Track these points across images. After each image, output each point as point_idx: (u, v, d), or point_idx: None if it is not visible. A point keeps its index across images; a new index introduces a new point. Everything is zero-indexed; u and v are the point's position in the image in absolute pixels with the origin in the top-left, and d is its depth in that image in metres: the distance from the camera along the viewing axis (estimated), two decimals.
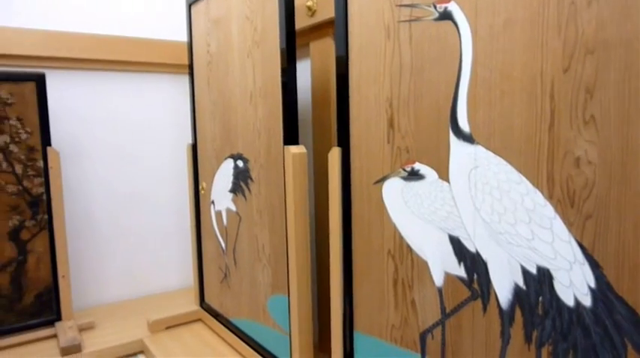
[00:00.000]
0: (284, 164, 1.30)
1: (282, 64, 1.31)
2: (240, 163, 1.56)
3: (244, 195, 1.55)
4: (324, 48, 1.56)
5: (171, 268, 2.30)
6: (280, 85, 1.31)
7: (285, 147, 1.29)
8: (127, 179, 2.15)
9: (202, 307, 1.92)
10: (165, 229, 2.27)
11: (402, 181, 1.00)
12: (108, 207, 2.11)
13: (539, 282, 0.78)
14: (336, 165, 1.13)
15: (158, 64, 2.15)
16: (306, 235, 1.30)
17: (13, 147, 1.68)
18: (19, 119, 1.69)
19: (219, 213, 1.72)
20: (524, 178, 0.78)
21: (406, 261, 1.01)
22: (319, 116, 1.57)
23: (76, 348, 1.66)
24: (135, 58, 2.08)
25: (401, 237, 1.02)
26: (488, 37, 0.82)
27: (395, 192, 1.01)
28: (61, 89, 1.95)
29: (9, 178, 1.68)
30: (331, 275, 1.19)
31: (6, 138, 1.67)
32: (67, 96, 1.96)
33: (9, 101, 1.66)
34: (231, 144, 1.60)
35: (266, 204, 1.44)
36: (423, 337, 1.00)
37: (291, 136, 1.30)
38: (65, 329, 1.73)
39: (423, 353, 1.01)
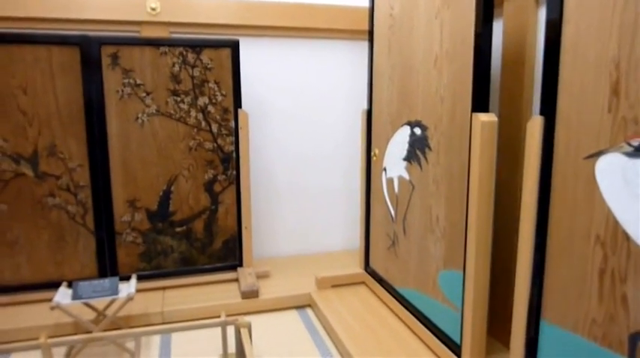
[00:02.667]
0: (470, 132, 1.21)
1: (475, 25, 1.21)
2: (417, 130, 1.51)
3: (419, 164, 1.50)
4: (521, 6, 1.40)
5: (336, 229, 2.38)
6: (472, 47, 1.22)
7: (474, 114, 1.20)
8: (302, 141, 2.25)
9: (367, 271, 1.95)
10: (334, 191, 2.34)
11: (624, 157, 0.85)
12: (285, 167, 2.25)
13: None
14: (536, 136, 1.01)
15: (337, 29, 2.17)
16: (489, 211, 1.21)
17: (210, 108, 1.87)
18: (216, 82, 1.86)
19: (390, 181, 1.71)
20: None
21: (620, 251, 0.87)
22: (508, 81, 1.43)
23: (254, 293, 1.83)
24: (316, 25, 2.14)
25: (616, 223, 0.87)
26: None
27: (614, 170, 0.87)
28: (250, 55, 2.09)
29: (207, 136, 1.88)
30: (519, 256, 1.09)
31: (205, 99, 1.86)
32: (256, 62, 2.10)
33: (209, 66, 1.84)
34: (409, 110, 1.55)
35: (444, 175, 1.37)
36: (633, 339, 0.86)
37: (480, 103, 1.21)
38: (246, 275, 1.91)
39: (632, 356, 0.87)
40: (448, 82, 1.33)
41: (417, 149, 1.51)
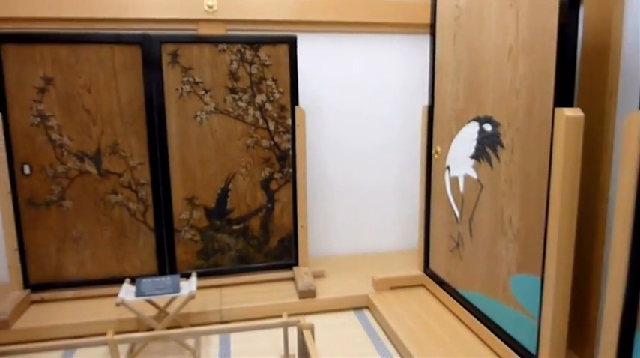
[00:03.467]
0: (553, 129, 1.13)
1: (560, 13, 1.12)
2: (487, 127, 1.43)
3: (490, 162, 1.42)
4: None
5: (390, 229, 2.32)
6: (555, 37, 1.13)
7: (557, 109, 1.12)
8: (356, 138, 2.20)
9: (426, 273, 1.89)
10: (388, 189, 2.28)
11: None
12: (339, 164, 2.21)
13: None
14: (635, 133, 0.92)
15: (392, 24, 2.11)
16: (572, 213, 1.12)
17: (268, 106, 1.85)
18: (273, 80, 1.84)
19: (454, 180, 1.63)
20: None
21: None
22: (589, 74, 1.33)
23: (311, 293, 1.80)
24: (371, 19, 2.08)
25: None
26: None
27: None
28: (304, 51, 2.06)
29: (264, 134, 1.86)
30: (611, 265, 1.00)
31: (263, 97, 1.84)
32: (310, 58, 2.07)
33: (266, 63, 1.82)
34: (478, 105, 1.47)
35: (519, 174, 1.29)
36: None
37: (564, 97, 1.12)
38: (302, 275, 1.88)
39: None
40: (525, 75, 1.25)
41: (487, 146, 1.43)
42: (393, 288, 1.87)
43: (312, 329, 1.33)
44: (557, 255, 1.13)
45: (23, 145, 1.70)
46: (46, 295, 1.77)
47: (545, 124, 1.17)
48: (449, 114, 1.65)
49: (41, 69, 1.67)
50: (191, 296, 1.49)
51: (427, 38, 1.80)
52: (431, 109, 1.78)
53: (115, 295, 1.50)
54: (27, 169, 1.72)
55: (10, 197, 1.70)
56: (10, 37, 1.64)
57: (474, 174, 1.51)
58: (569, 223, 1.12)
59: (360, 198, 2.26)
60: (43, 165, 1.72)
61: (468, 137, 1.53)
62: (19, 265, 1.74)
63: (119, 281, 1.64)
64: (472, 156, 1.51)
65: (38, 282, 1.78)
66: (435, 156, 1.77)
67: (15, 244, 1.73)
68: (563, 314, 1.17)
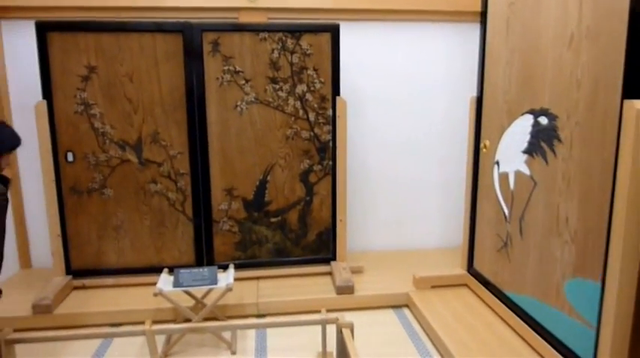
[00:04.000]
0: (620, 122, 1.04)
1: None
2: (543, 120, 1.34)
3: (545, 158, 1.33)
4: None
5: (431, 224, 2.25)
6: (626, 22, 1.03)
7: (626, 101, 1.02)
8: (398, 130, 2.13)
9: (469, 272, 1.81)
10: (430, 184, 2.20)
11: None
12: (379, 157, 2.14)
13: None
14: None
15: (438, 11, 2.02)
16: None
17: (308, 96, 1.80)
18: (315, 69, 1.79)
19: (504, 175, 1.55)
20: None
21: None
22: None
23: (350, 290, 1.75)
24: (415, 6, 2.00)
25: None
26: None
27: None
28: (346, 40, 1.99)
29: (304, 124, 1.82)
30: None
31: (304, 87, 1.79)
32: (351, 48, 2.00)
33: (308, 52, 1.77)
34: (533, 96, 1.38)
35: (578, 170, 1.20)
36: None
37: (635, 88, 1.02)
38: (340, 270, 1.84)
39: None
40: (587, 64, 1.15)
41: (542, 141, 1.34)
42: (434, 287, 1.80)
43: (351, 328, 1.29)
44: (621, 258, 1.04)
45: (67, 133, 1.72)
46: (87, 282, 1.79)
47: (611, 118, 1.08)
48: (499, 106, 1.56)
49: (85, 57, 1.68)
50: (228, 289, 1.47)
51: (473, 26, 1.72)
52: (479, 101, 1.70)
53: (154, 284, 1.50)
54: (70, 157, 1.73)
55: (54, 185, 1.72)
56: (55, 25, 1.65)
57: (526, 170, 1.42)
58: (636, 224, 1.03)
59: (400, 192, 2.19)
60: (85, 153, 1.74)
61: (520, 130, 1.44)
62: (61, 251, 1.77)
63: (157, 270, 1.65)
64: (525, 151, 1.42)
65: (79, 268, 1.80)
66: (482, 151, 1.69)
67: (58, 230, 1.75)
68: (625, 322, 1.08)
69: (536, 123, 1.37)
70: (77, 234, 1.78)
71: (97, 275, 1.81)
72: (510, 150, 1.50)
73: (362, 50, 2.04)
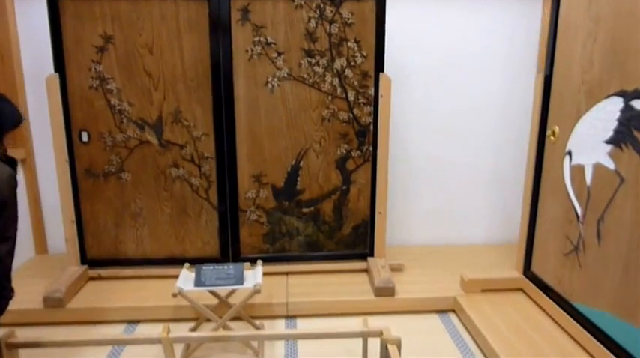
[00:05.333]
0: None
1: None
2: (637, 104, 1.10)
3: (638, 150, 1.10)
4: None
5: (481, 218, 2.03)
6: None
7: None
8: (448, 111, 1.90)
9: (527, 276, 1.59)
10: (480, 172, 1.97)
11: None
12: (424, 141, 1.92)
13: None
14: None
15: None
16: None
17: (348, 72, 1.59)
18: (356, 41, 1.57)
19: (578, 168, 1.32)
20: None
21: None
22: None
23: (390, 291, 1.57)
24: None
25: None
26: None
27: None
28: (392, 10, 1.76)
29: (342, 105, 1.61)
30: None
31: (343, 61, 1.58)
32: (399, 18, 1.77)
33: (349, 21, 1.55)
34: (623, 76, 1.14)
35: None
36: None
37: None
38: (378, 268, 1.65)
39: None
40: None
41: (635, 129, 1.11)
42: (484, 291, 1.60)
43: (398, 344, 1.10)
44: None
45: (81, 110, 1.56)
46: (104, 272, 1.66)
47: None
48: (575, 87, 1.33)
49: (101, 26, 1.51)
50: (256, 291, 1.30)
51: None
52: (548, 80, 1.46)
53: (174, 276, 1.36)
54: (85, 136, 1.58)
55: (67, 166, 1.58)
56: None
57: (609, 164, 1.19)
58: None
59: (446, 182, 1.98)
60: (101, 133, 1.58)
61: (604, 116, 1.21)
62: (76, 238, 1.63)
63: (179, 261, 1.51)
64: (609, 141, 1.19)
65: (96, 258, 1.67)
66: (549, 138, 1.46)
67: (72, 216, 1.61)
68: None
69: (627, 108, 1.14)
70: (93, 220, 1.64)
71: (114, 266, 1.67)
72: (589, 139, 1.27)
73: (408, 21, 1.81)
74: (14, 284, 1.06)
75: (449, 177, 1.97)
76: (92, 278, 1.66)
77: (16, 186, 1.04)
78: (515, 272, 1.64)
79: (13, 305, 1.43)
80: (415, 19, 1.81)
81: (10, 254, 1.02)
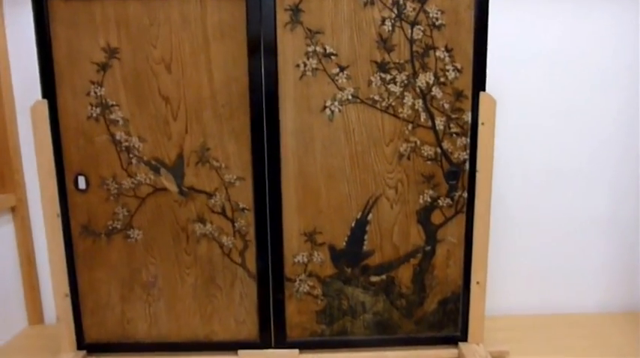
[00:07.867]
0: None
1: None
2: None
3: None
4: None
5: (592, 280, 1.56)
6: None
7: None
8: (551, 145, 1.46)
9: None
10: (593, 223, 1.52)
11: None
12: (521, 184, 1.48)
13: None
14: None
15: None
16: None
17: (436, 91, 1.16)
18: (448, 50, 1.14)
19: None
20: None
21: None
22: None
23: None
24: None
25: None
26: None
27: None
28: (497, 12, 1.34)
29: (426, 136, 1.18)
30: None
31: (429, 77, 1.15)
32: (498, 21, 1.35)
33: (438, 22, 1.13)
34: None
35: None
36: None
37: None
38: None
39: None
40: None
41: None
42: None
43: None
44: None
45: (77, 147, 1.18)
46: None
47: None
48: None
49: (102, 35, 1.13)
50: None
51: None
52: None
53: None
54: (82, 183, 1.19)
55: (59, 221, 1.19)
56: None
57: None
58: None
59: (551, 235, 1.52)
60: (103, 178, 1.19)
61: None
62: (70, 317, 1.24)
63: (205, 347, 1.15)
64: None
65: (96, 341, 1.27)
66: None
67: (66, 288, 1.22)
68: None
69: None
70: (92, 293, 1.24)
71: (119, 352, 1.27)
72: None
73: (500, 27, 1.38)
74: None
75: (555, 230, 1.52)
76: None
77: None
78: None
79: None
80: (506, 24, 1.39)
81: None
